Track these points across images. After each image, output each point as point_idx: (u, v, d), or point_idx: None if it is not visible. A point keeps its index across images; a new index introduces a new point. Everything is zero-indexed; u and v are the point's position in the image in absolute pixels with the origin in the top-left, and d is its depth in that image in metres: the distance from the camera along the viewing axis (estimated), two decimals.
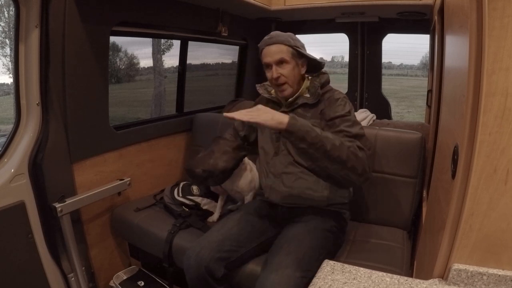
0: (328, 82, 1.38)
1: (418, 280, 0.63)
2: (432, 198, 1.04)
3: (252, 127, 1.49)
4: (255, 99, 1.55)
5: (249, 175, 1.56)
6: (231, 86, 2.84)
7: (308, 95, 1.34)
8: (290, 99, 1.36)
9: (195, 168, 1.35)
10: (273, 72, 1.29)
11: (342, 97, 1.30)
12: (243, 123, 1.26)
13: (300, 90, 1.35)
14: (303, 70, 1.34)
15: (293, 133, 1.09)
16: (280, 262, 1.12)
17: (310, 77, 1.39)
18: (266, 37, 1.32)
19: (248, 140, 1.50)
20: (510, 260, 0.57)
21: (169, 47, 5.42)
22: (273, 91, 1.42)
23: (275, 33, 1.31)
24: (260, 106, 1.14)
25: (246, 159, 1.55)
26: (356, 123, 1.25)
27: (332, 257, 1.29)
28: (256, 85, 1.48)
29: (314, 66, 1.38)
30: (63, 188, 1.48)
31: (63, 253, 1.51)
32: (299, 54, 1.30)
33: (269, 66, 1.30)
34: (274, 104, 1.43)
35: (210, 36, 2.23)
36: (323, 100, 1.32)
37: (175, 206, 1.68)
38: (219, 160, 1.36)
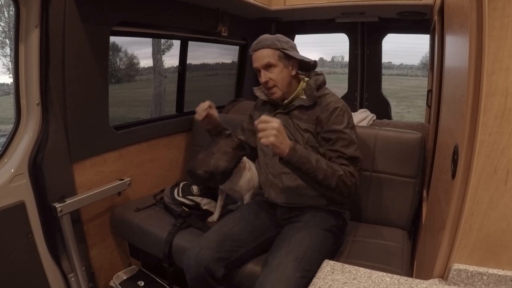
0: (324, 83, 1.38)
1: (418, 280, 0.63)
2: (432, 198, 1.04)
3: (252, 131, 1.50)
4: (255, 99, 1.56)
5: (248, 174, 1.56)
6: (231, 86, 2.84)
7: (304, 97, 1.34)
8: (286, 101, 1.36)
9: (197, 169, 1.35)
10: (262, 77, 1.31)
11: (341, 106, 1.30)
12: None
13: (296, 92, 1.35)
14: (294, 71, 1.34)
15: (291, 164, 1.16)
16: (280, 262, 1.12)
17: (306, 79, 1.38)
18: (254, 43, 1.33)
19: (249, 144, 1.51)
20: (510, 260, 0.57)
21: (169, 47, 5.42)
22: None
23: (262, 37, 1.31)
24: (278, 126, 1.11)
25: (244, 158, 1.55)
26: (352, 142, 1.27)
27: (332, 257, 1.29)
28: (253, 88, 1.49)
29: (308, 65, 1.38)
30: (63, 188, 1.48)
31: (63, 253, 1.51)
32: (287, 56, 1.30)
33: (258, 71, 1.32)
34: (272, 106, 1.44)
35: (210, 36, 2.23)
36: (320, 104, 1.32)
37: (175, 206, 1.68)
38: (220, 160, 1.36)
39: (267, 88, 1.33)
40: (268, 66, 1.29)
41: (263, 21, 2.50)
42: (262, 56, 1.29)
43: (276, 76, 1.30)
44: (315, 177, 1.17)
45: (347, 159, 1.24)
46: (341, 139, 1.25)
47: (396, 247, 1.40)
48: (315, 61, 1.37)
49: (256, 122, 1.13)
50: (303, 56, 1.34)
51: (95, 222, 1.70)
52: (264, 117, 1.13)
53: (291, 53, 1.30)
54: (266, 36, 1.32)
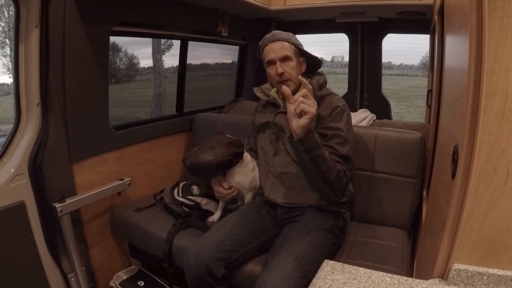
0: (325, 83, 1.39)
1: (418, 280, 0.63)
2: (432, 198, 1.04)
3: (255, 137, 1.52)
4: (255, 99, 1.56)
5: (252, 174, 1.55)
6: (231, 86, 2.84)
7: None
8: None
9: (186, 160, 1.41)
10: (277, 68, 1.29)
11: (341, 105, 1.31)
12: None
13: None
14: (304, 69, 1.35)
15: (305, 144, 1.09)
16: (280, 262, 1.12)
17: (308, 79, 1.39)
18: (268, 35, 1.33)
19: (255, 150, 1.53)
20: (510, 260, 0.57)
21: (169, 47, 5.41)
22: (272, 91, 1.42)
23: (276, 32, 1.33)
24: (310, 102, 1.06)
25: (249, 158, 1.54)
26: (347, 141, 1.26)
27: (332, 257, 1.29)
28: (254, 88, 1.48)
29: (312, 65, 1.39)
30: (63, 188, 1.48)
31: (63, 253, 1.51)
32: (300, 52, 1.31)
33: (272, 63, 1.31)
34: (273, 106, 1.43)
35: (210, 36, 2.23)
36: (323, 104, 1.32)
37: (175, 206, 1.68)
38: (206, 154, 1.40)
39: (282, 80, 1.30)
40: (284, 59, 1.29)
41: (263, 21, 2.50)
42: (279, 48, 1.29)
43: (291, 69, 1.30)
44: (320, 166, 1.13)
45: (340, 156, 1.23)
46: (337, 136, 1.25)
47: (396, 247, 1.40)
48: (321, 60, 1.38)
49: (302, 80, 1.07)
50: (312, 55, 1.35)
51: (95, 222, 1.70)
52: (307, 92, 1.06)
53: (303, 51, 1.31)
54: (279, 31, 1.33)
